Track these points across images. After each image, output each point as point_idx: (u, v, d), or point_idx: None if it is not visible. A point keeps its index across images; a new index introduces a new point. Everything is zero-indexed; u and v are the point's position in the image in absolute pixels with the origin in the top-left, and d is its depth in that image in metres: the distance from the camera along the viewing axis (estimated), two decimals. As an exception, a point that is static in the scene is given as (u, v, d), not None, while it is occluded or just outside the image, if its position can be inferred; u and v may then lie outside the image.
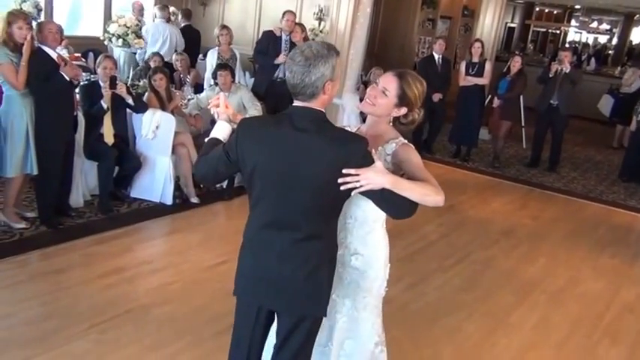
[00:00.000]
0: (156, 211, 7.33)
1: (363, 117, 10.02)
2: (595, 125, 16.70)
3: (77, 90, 6.88)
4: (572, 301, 6.28)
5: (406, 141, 3.30)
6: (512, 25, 24.06)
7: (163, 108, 7.58)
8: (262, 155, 2.97)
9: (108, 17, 11.42)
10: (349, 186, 2.86)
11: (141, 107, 7.30)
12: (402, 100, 3.30)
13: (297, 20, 9.63)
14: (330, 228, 3.11)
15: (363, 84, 11.31)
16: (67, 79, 6.21)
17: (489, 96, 11.63)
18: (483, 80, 11.09)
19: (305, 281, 3.07)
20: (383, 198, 2.98)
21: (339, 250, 3.28)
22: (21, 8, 8.01)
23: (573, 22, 24.88)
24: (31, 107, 6.02)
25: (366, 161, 2.89)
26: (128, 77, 9.82)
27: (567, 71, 10.56)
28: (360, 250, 3.42)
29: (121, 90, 6.97)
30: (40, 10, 8.97)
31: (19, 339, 4.52)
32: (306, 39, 9.51)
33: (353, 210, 3.34)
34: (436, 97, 10.93)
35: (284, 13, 9.44)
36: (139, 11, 11.09)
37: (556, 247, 7.71)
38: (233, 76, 8.20)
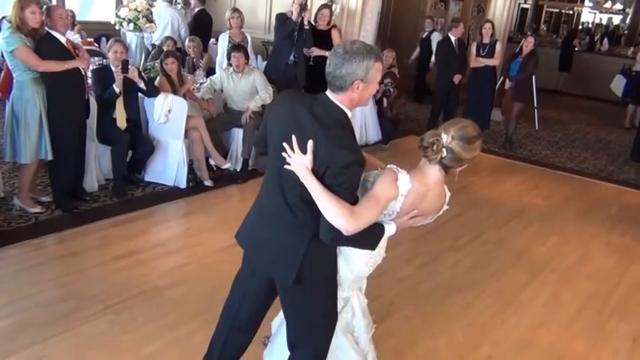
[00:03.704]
0: (170, 194, 7.39)
1: (376, 99, 10.08)
2: (607, 105, 16.64)
3: (89, 74, 6.91)
4: (582, 278, 6.32)
5: (394, 169, 3.22)
6: (525, 5, 23.89)
7: (175, 92, 7.62)
8: (276, 125, 3.18)
9: (119, 2, 11.46)
10: (286, 156, 3.03)
11: (153, 91, 7.33)
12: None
13: (306, 3, 9.56)
14: (314, 213, 3.06)
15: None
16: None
17: (501, 77, 11.61)
18: (494, 61, 11.05)
19: (281, 247, 3.26)
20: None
21: None
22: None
23: (587, 2, 24.71)
24: (43, 93, 6.05)
25: (346, 171, 2.93)
26: (140, 61, 9.86)
27: None
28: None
29: (133, 74, 7.01)
30: (51, -5, 9.03)
31: (37, 320, 4.60)
32: (329, 23, 9.46)
33: None
34: (457, 78, 10.96)
35: (294, -3, 9.42)
36: (150, -5, 11.12)
37: (567, 226, 7.73)
38: (247, 57, 8.23)
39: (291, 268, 3.22)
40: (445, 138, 3.17)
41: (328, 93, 3.06)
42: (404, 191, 3.18)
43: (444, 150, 3.18)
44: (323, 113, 3.01)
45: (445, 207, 3.47)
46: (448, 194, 3.43)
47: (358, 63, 2.93)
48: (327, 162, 2.94)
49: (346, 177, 2.95)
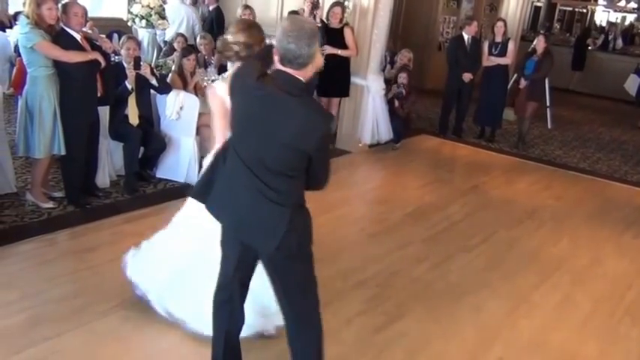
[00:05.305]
0: (181, 191, 7.31)
1: (387, 99, 10.06)
2: (621, 105, 16.58)
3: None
4: (594, 280, 6.29)
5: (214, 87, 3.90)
6: (539, 4, 23.82)
7: (186, 87, 7.64)
8: (242, 101, 3.35)
9: (131, -2, 11.46)
10: None
11: (165, 88, 7.35)
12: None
13: (318, 1, 9.53)
14: (289, 185, 3.31)
15: (390, 64, 11.30)
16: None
17: (514, 76, 11.57)
18: (506, 60, 11.01)
19: (260, 216, 3.33)
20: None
21: None
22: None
23: (600, 1, 24.59)
24: (57, 88, 6.06)
25: (321, 144, 3.25)
26: (152, 58, 9.87)
27: None
28: None
29: (145, 71, 7.03)
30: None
31: (50, 315, 4.61)
32: (341, 21, 9.41)
33: None
34: (467, 77, 10.88)
35: (305, -6, 9.39)
36: (163, -8, 11.11)
37: (579, 227, 7.70)
38: (258, 57, 8.20)
39: (275, 237, 3.29)
40: (243, 38, 4.02)
41: (288, 70, 3.22)
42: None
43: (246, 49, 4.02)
44: (291, 88, 3.21)
45: None
46: None
47: (317, 40, 3.23)
48: (306, 133, 3.17)
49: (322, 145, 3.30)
